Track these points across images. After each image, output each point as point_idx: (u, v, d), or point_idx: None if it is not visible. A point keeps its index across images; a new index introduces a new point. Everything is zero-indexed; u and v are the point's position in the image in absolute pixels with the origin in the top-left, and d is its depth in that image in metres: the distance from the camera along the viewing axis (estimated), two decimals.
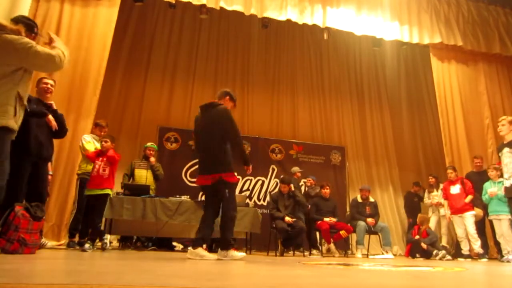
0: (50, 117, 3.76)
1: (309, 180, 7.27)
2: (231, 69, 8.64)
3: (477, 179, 6.28)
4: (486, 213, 6.10)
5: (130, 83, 7.89)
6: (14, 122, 2.55)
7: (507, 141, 4.66)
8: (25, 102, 2.68)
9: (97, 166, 4.66)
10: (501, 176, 5.75)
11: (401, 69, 9.78)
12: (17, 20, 2.80)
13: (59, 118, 3.88)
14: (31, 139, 3.57)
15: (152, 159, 5.97)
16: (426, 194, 7.36)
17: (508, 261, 5.27)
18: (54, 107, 3.91)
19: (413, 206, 7.63)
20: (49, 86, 3.87)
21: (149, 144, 6.17)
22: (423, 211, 7.63)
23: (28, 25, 2.85)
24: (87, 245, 4.28)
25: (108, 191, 4.70)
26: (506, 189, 4.59)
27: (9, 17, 4.97)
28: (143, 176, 5.86)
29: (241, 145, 3.91)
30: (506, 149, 4.62)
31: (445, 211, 6.53)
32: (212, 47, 8.59)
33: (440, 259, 5.89)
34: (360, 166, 8.86)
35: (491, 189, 5.74)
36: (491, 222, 5.91)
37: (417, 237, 6.38)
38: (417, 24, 7.45)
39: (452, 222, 6.27)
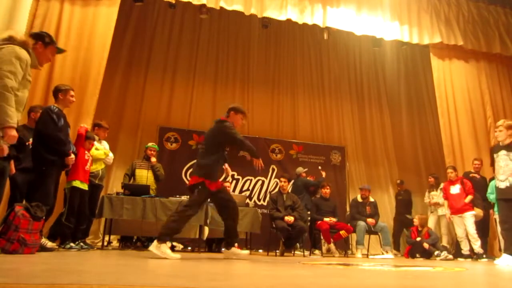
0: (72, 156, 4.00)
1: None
2: (231, 69, 8.63)
3: (475, 179, 6.28)
4: (486, 213, 6.10)
5: (130, 83, 7.89)
6: None
7: (505, 144, 4.64)
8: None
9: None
10: None
11: (401, 69, 9.78)
12: (32, 34, 3.02)
13: None
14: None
15: (153, 159, 5.97)
16: (426, 194, 7.36)
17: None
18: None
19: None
20: (74, 99, 4.11)
21: (150, 144, 6.18)
22: (422, 211, 7.63)
23: (38, 36, 3.00)
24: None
25: None
26: (501, 190, 4.58)
27: (10, 17, 5.00)
28: (144, 176, 5.87)
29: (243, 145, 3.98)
30: (503, 152, 4.61)
31: (445, 211, 6.53)
32: (212, 47, 8.58)
33: (442, 259, 5.88)
34: (360, 166, 8.86)
35: None
36: (487, 221, 5.96)
37: (418, 238, 6.38)
38: (417, 24, 7.45)
39: (452, 222, 6.27)
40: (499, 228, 5.83)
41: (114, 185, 7.04)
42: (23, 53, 2.72)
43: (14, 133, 2.64)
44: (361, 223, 6.37)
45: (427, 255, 6.19)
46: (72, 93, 4.06)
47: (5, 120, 2.58)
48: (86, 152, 4.61)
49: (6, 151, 2.75)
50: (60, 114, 3.87)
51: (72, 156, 3.97)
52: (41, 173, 3.68)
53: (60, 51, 3.24)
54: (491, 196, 5.87)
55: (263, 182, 7.92)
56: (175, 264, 2.78)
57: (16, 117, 2.65)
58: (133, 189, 5.35)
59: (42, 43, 2.99)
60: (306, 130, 8.80)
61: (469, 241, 5.99)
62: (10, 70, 2.61)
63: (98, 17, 5.96)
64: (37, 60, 2.96)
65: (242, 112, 4.15)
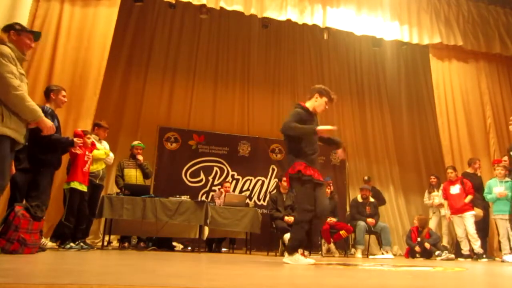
0: (76, 140, 4.08)
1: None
2: (231, 69, 8.63)
3: (475, 179, 6.29)
4: (486, 213, 6.11)
5: (130, 83, 7.88)
6: (6, 128, 2.67)
7: None
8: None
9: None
10: (509, 175, 5.76)
11: (401, 69, 9.77)
12: (2, 29, 3.06)
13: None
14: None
15: (140, 157, 5.92)
16: (426, 194, 7.34)
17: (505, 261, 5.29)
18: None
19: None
20: (66, 99, 4.13)
21: (136, 143, 6.10)
22: (423, 212, 7.61)
23: (8, 26, 3.02)
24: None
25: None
26: None
27: (9, 18, 5.00)
28: (133, 175, 5.82)
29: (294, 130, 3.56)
30: None
31: (445, 211, 6.53)
32: (212, 47, 8.58)
33: (443, 259, 5.88)
34: (361, 166, 8.85)
35: (498, 188, 5.71)
36: (487, 221, 5.95)
37: (418, 239, 6.37)
38: (417, 24, 7.45)
39: (452, 222, 6.27)
40: (472, 229, 5.85)
41: (114, 185, 7.04)
42: (4, 49, 2.77)
43: (49, 123, 2.99)
44: (361, 223, 6.37)
45: (427, 255, 6.19)
46: (64, 93, 4.07)
47: (36, 115, 2.85)
48: (87, 152, 4.59)
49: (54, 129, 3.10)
50: (53, 115, 3.88)
51: (73, 138, 4.08)
52: (39, 173, 3.70)
53: (36, 35, 3.19)
54: (488, 196, 5.88)
55: (263, 182, 7.92)
56: (175, 264, 2.78)
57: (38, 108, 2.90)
58: (133, 189, 5.35)
59: (14, 31, 3.01)
60: None
61: (469, 241, 6.00)
62: (8, 70, 2.71)
63: (98, 17, 5.95)
64: (19, 50, 2.97)
65: (324, 94, 3.59)
